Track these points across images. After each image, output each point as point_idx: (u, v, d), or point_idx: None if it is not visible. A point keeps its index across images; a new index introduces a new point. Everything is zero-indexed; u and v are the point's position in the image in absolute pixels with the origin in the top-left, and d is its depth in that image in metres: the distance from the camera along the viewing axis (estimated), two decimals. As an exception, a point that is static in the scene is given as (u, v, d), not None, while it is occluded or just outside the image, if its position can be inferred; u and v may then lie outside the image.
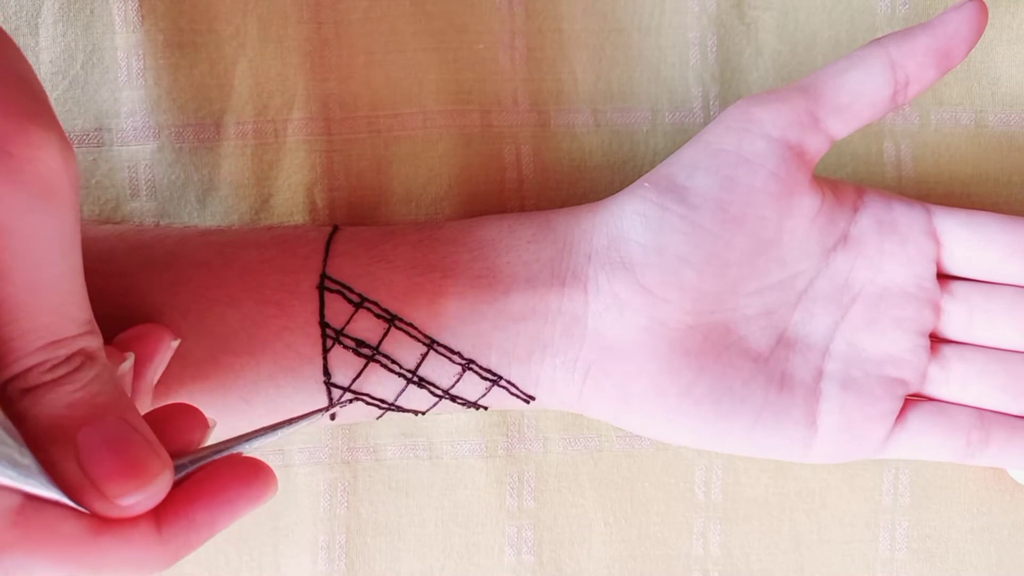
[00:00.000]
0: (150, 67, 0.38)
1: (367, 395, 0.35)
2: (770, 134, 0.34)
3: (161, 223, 0.39)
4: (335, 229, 0.36)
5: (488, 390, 0.35)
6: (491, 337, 0.34)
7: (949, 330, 0.37)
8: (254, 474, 0.28)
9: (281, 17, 0.38)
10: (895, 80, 0.34)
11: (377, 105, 0.39)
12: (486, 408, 0.36)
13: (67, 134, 0.38)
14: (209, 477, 0.28)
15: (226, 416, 0.34)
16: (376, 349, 0.34)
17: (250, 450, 0.29)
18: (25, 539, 0.24)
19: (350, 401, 0.34)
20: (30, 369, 0.26)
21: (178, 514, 0.27)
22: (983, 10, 0.34)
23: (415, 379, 0.35)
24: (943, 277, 0.37)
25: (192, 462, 0.28)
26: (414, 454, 0.40)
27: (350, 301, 0.34)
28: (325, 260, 0.34)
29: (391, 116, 0.39)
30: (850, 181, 0.38)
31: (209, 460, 0.28)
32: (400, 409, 0.35)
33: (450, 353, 0.34)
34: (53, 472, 0.25)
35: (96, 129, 0.39)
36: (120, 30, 0.38)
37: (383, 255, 0.35)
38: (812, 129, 0.34)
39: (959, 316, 0.37)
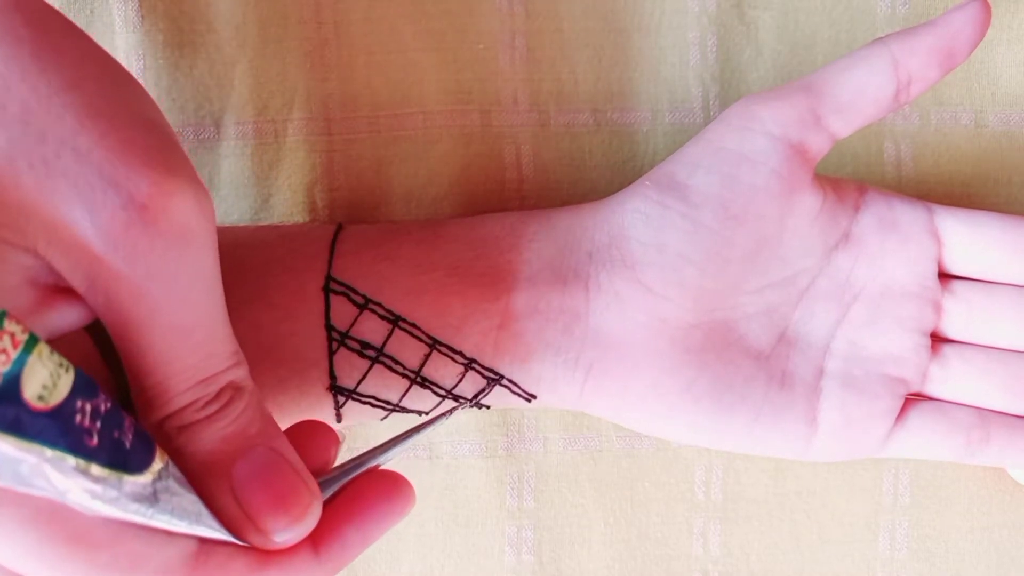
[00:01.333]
0: (150, 67, 0.38)
1: (372, 397, 0.35)
2: (772, 132, 0.34)
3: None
4: (339, 228, 0.36)
5: (490, 389, 0.35)
6: (493, 336, 0.35)
7: (950, 329, 0.37)
8: (396, 488, 0.30)
9: (281, 17, 0.38)
10: (898, 79, 0.34)
11: (377, 105, 0.39)
12: (488, 407, 0.36)
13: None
14: (356, 496, 0.29)
15: None
16: (380, 350, 0.34)
17: (385, 462, 0.31)
18: None
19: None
20: (183, 408, 0.27)
21: (332, 535, 0.29)
22: (986, 10, 0.34)
23: (418, 379, 0.35)
24: (944, 276, 0.37)
25: (335, 481, 0.30)
26: (414, 454, 0.40)
27: (354, 303, 0.34)
28: (330, 261, 0.34)
29: (391, 116, 0.39)
30: (851, 179, 0.38)
31: (351, 477, 0.30)
32: (404, 410, 0.35)
33: (452, 352, 0.34)
34: (213, 507, 0.27)
35: None
36: (120, 30, 0.38)
37: (387, 254, 0.35)
38: (814, 127, 0.34)
39: (960, 315, 0.37)
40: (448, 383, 0.35)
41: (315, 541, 0.28)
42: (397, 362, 0.34)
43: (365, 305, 0.34)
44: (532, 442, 0.40)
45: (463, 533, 0.40)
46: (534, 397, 0.36)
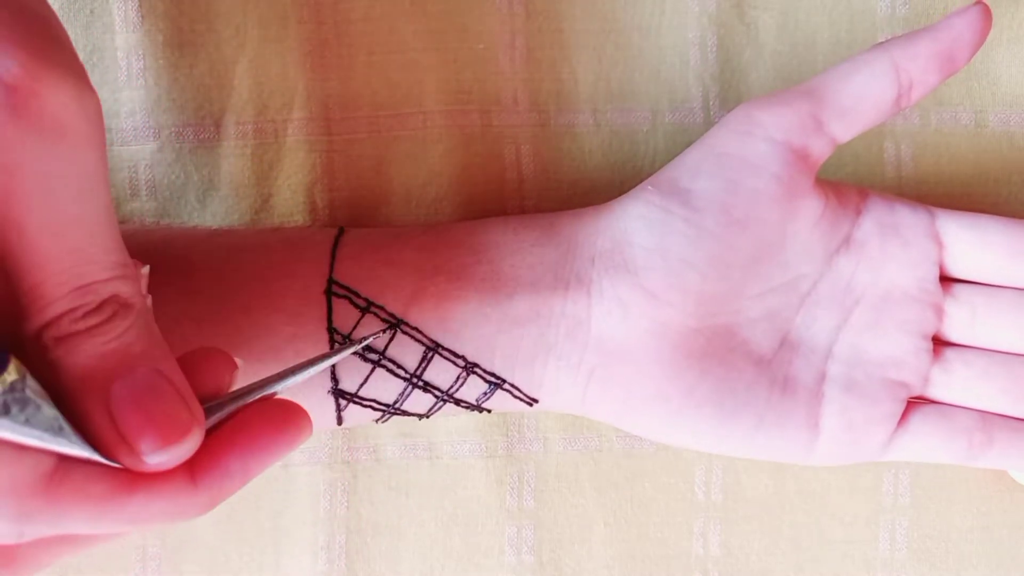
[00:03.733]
0: (150, 67, 0.38)
1: (373, 401, 0.35)
2: (773, 137, 0.34)
3: (161, 223, 0.39)
4: (341, 231, 0.36)
5: (491, 393, 0.35)
6: (495, 340, 0.35)
7: (951, 333, 0.37)
8: (288, 418, 0.28)
9: (281, 17, 0.38)
10: (899, 83, 0.34)
11: (377, 105, 0.39)
12: (489, 411, 0.36)
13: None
14: (242, 423, 0.27)
15: None
16: (382, 354, 0.34)
17: (282, 390, 0.29)
18: (56, 502, 0.24)
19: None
20: (60, 316, 0.25)
21: (212, 463, 0.26)
22: (987, 14, 0.34)
23: (419, 383, 0.35)
24: (945, 280, 0.37)
25: (224, 406, 0.28)
26: (414, 454, 0.40)
27: (356, 306, 0.34)
28: (332, 265, 0.34)
29: (391, 116, 0.39)
30: (853, 183, 0.38)
31: (241, 404, 0.28)
32: (405, 413, 0.35)
33: (454, 356, 0.34)
34: (85, 425, 0.25)
35: None
36: (120, 30, 0.38)
37: (389, 258, 0.35)
38: (815, 132, 0.34)
39: (961, 319, 0.37)
40: (448, 386, 0.35)
41: (193, 468, 0.26)
42: (399, 366, 0.34)
43: (367, 309, 0.34)
44: (532, 442, 0.40)
45: (463, 533, 0.40)
46: (536, 401, 0.36)
